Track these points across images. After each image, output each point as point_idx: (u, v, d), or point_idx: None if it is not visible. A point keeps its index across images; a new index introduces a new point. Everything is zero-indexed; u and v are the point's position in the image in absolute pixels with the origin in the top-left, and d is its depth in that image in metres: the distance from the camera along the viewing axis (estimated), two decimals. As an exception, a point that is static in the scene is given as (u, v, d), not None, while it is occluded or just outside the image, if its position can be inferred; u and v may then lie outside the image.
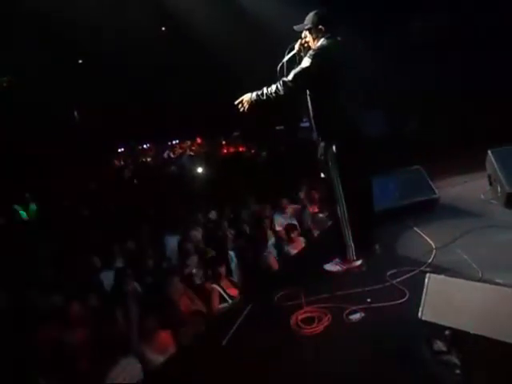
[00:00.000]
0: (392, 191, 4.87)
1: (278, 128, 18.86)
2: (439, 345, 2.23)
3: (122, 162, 20.03)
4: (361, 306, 2.99)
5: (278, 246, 6.23)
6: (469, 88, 9.94)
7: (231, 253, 6.03)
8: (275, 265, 5.50)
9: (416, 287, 2.59)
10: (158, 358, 3.72)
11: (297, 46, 3.69)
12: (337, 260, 3.74)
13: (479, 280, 2.87)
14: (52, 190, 11.53)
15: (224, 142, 21.88)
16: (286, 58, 3.66)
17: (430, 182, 5.03)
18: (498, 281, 2.73)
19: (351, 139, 3.53)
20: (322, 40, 3.56)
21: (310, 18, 3.62)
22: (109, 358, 3.62)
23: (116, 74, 13.49)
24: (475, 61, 9.98)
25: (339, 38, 3.60)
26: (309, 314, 3.04)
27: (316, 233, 6.57)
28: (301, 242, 6.19)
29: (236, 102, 3.68)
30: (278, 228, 6.95)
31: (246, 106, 3.63)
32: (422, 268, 3.38)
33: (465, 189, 5.59)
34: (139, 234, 7.99)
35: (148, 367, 3.66)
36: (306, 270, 4.05)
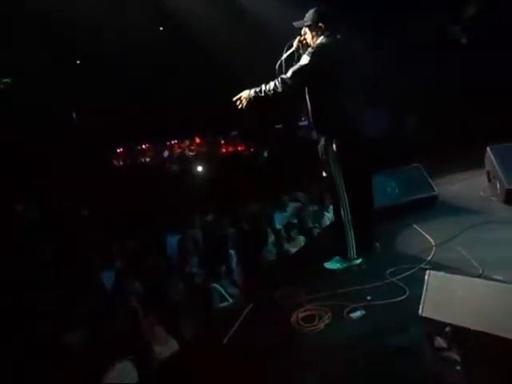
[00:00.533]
0: (392, 189, 4.88)
1: (276, 127, 18.84)
2: (440, 341, 2.23)
3: (121, 162, 20.01)
4: (361, 304, 3.00)
5: (278, 244, 6.24)
6: (468, 87, 9.95)
7: (231, 251, 6.03)
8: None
9: (416, 284, 2.59)
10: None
11: (295, 44, 3.68)
12: (337, 258, 3.74)
13: (479, 276, 2.88)
14: (51, 189, 11.52)
15: (223, 142, 21.86)
16: (285, 55, 3.66)
17: (430, 180, 5.04)
18: (497, 277, 2.73)
19: (351, 137, 3.54)
20: (321, 38, 3.55)
21: (309, 14, 3.61)
22: (109, 358, 3.63)
23: (114, 73, 13.47)
24: (474, 60, 9.99)
25: (339, 36, 3.60)
26: (309, 312, 3.05)
27: (316, 231, 6.58)
28: (301, 241, 6.20)
29: (234, 99, 3.68)
30: (277, 226, 6.96)
31: (245, 102, 3.62)
32: (421, 265, 3.38)
33: (464, 186, 5.60)
34: (139, 234, 7.99)
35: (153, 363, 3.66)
36: (306, 268, 4.06)
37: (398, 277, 3.28)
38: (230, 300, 4.90)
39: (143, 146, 21.27)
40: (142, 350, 3.74)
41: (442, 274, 2.37)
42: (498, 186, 4.60)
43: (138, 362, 3.59)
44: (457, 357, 2.14)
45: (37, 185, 11.52)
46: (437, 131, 9.75)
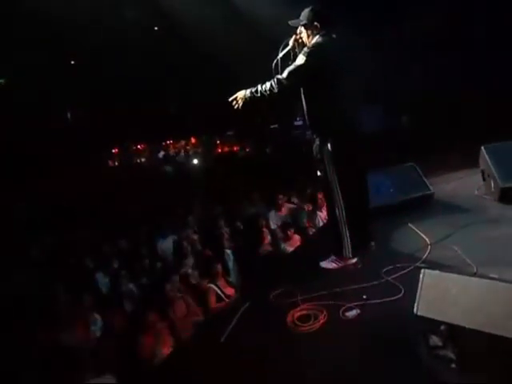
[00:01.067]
0: (387, 188, 4.89)
1: (272, 127, 18.86)
2: (435, 340, 2.23)
3: (116, 163, 19.96)
4: (357, 303, 3.00)
5: (274, 243, 6.24)
6: (463, 86, 9.99)
7: (228, 251, 6.03)
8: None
9: (411, 283, 2.59)
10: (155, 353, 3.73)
11: (291, 43, 3.67)
12: (333, 257, 3.74)
13: (474, 275, 2.88)
14: (45, 189, 11.48)
15: (218, 142, 21.85)
16: (281, 54, 3.65)
17: (425, 179, 5.06)
18: (492, 275, 2.74)
19: (346, 137, 3.54)
20: (316, 37, 3.54)
21: (305, 13, 3.60)
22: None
23: (109, 73, 13.44)
24: (471, 59, 10.03)
25: (334, 36, 3.59)
26: (305, 312, 3.05)
27: (311, 230, 6.59)
28: (297, 240, 6.20)
29: (230, 99, 3.67)
30: (272, 226, 6.96)
31: (240, 103, 3.61)
32: (417, 264, 3.39)
33: (459, 185, 5.62)
34: (135, 234, 7.98)
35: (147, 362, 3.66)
36: (302, 268, 4.06)
37: (394, 276, 3.29)
38: (227, 300, 4.90)
39: (138, 147, 21.22)
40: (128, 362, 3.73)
41: (436, 272, 2.37)
42: (493, 184, 4.62)
43: (121, 376, 3.58)
44: (452, 355, 2.14)
45: (30, 184, 11.48)
46: (431, 130, 9.79)
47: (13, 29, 10.50)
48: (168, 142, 21.61)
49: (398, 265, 3.42)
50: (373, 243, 3.83)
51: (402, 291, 3.00)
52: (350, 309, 2.97)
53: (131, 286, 5.54)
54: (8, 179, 11.14)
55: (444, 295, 2.24)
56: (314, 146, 3.67)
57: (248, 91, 3.58)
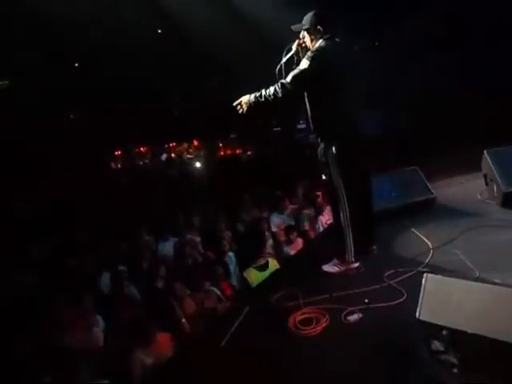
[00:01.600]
0: (389, 191, 4.88)
1: (275, 129, 18.87)
2: (437, 344, 2.23)
3: (119, 165, 19.98)
4: (359, 307, 3.00)
5: (277, 246, 6.24)
6: (465, 88, 9.98)
7: (230, 254, 6.03)
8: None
9: (413, 287, 2.59)
10: (154, 361, 3.71)
11: (294, 47, 3.67)
12: (335, 261, 3.74)
13: (476, 280, 2.88)
14: (47, 190, 11.51)
15: (221, 144, 21.86)
16: (284, 59, 3.65)
17: (427, 183, 5.05)
18: (495, 280, 2.74)
19: (350, 141, 3.54)
20: (320, 41, 3.55)
21: (308, 18, 3.60)
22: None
23: (112, 74, 13.48)
24: (473, 61, 10.02)
25: (337, 39, 3.60)
26: (307, 315, 3.05)
27: (313, 234, 6.58)
28: (299, 243, 6.20)
29: (234, 104, 3.68)
30: (273, 229, 6.94)
31: (245, 107, 3.62)
32: (419, 268, 3.39)
33: (461, 189, 5.61)
34: (136, 236, 7.97)
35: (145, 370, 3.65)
36: (304, 271, 4.05)
37: (396, 280, 3.29)
38: (228, 303, 4.89)
39: (141, 149, 21.24)
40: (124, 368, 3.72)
41: (439, 277, 2.37)
42: (495, 189, 4.61)
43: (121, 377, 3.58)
44: (454, 360, 2.14)
45: (33, 185, 11.51)
46: (434, 134, 9.78)
47: (15, 29, 10.55)
48: (170, 144, 21.62)
49: (401, 269, 3.42)
50: (375, 247, 3.83)
51: (405, 295, 3.00)
52: (352, 313, 2.97)
53: (132, 288, 5.54)
54: (11, 179, 11.19)
55: (446, 300, 2.24)
56: (319, 149, 3.67)
57: (252, 96, 3.59)
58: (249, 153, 19.44)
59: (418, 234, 4.21)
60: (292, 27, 3.67)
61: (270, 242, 6.41)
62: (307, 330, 2.90)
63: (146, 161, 20.98)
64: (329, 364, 2.57)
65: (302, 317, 3.04)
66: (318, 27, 3.56)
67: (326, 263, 3.78)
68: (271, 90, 3.49)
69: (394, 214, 4.66)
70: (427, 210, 4.83)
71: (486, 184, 4.92)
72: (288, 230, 6.39)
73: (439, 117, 10.37)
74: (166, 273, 5.73)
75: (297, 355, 2.74)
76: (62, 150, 13.52)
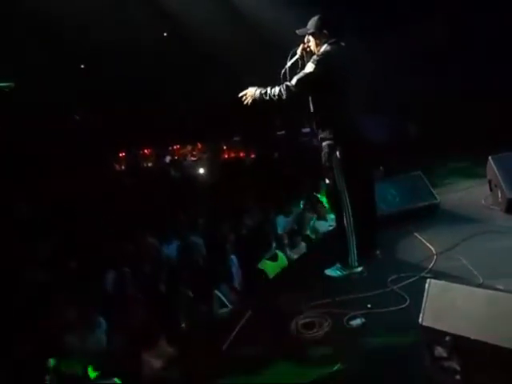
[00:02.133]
0: (393, 197, 4.87)
1: (279, 133, 18.89)
2: (440, 350, 2.22)
3: (123, 167, 20.02)
4: (361, 312, 2.99)
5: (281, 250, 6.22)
6: (470, 94, 9.97)
7: (232, 257, 6.02)
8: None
9: (416, 293, 2.58)
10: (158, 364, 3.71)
11: (299, 51, 3.68)
12: (338, 265, 3.74)
13: (480, 285, 2.87)
14: (51, 190, 11.55)
15: (225, 147, 21.89)
16: (289, 63, 3.66)
17: (431, 188, 5.04)
18: (498, 286, 2.73)
19: (355, 145, 3.55)
20: (325, 45, 3.55)
21: (313, 22, 3.61)
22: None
23: (117, 76, 13.53)
24: (476, 66, 10.01)
25: (343, 44, 3.60)
26: (309, 319, 3.04)
27: (316, 238, 6.57)
28: (302, 247, 6.18)
29: (240, 95, 3.69)
30: (280, 231, 6.94)
31: (250, 100, 3.63)
32: (422, 274, 3.38)
33: (465, 194, 5.60)
34: (140, 238, 7.98)
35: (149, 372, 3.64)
36: (306, 275, 4.05)
37: (399, 285, 3.28)
38: (230, 306, 4.88)
39: (145, 151, 21.28)
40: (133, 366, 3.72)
41: (442, 282, 2.36)
42: (500, 195, 4.60)
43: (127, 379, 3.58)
44: (457, 366, 2.13)
45: (36, 185, 11.55)
46: (439, 139, 9.76)
47: (19, 31, 10.62)
48: (174, 146, 21.65)
49: (404, 274, 3.41)
50: (378, 252, 3.83)
51: (408, 301, 2.99)
52: (355, 317, 2.96)
53: (136, 290, 5.54)
54: (14, 179, 11.23)
55: (449, 306, 2.23)
56: (323, 153, 3.67)
57: (258, 91, 3.59)
58: (252, 156, 19.44)
59: (421, 239, 4.19)
60: (297, 31, 3.68)
61: (274, 245, 6.40)
62: (309, 333, 2.89)
63: (150, 163, 21.02)
64: (330, 368, 2.56)
65: (305, 321, 3.04)
66: (324, 31, 3.57)
67: (329, 267, 3.78)
68: (276, 90, 3.49)
69: (397, 219, 4.66)
70: (431, 216, 4.82)
71: (491, 190, 4.90)
72: (292, 233, 6.38)
73: (444, 122, 10.36)
74: (170, 275, 5.74)
75: (299, 359, 2.73)
76: (67, 151, 13.57)
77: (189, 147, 21.82)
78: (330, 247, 4.32)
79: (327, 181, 3.69)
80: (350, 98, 3.53)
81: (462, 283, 2.37)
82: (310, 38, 3.64)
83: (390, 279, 3.37)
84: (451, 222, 4.55)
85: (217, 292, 5.00)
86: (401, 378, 2.35)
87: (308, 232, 6.73)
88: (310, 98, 3.65)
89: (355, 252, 3.58)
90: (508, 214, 4.43)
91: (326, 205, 6.67)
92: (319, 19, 3.60)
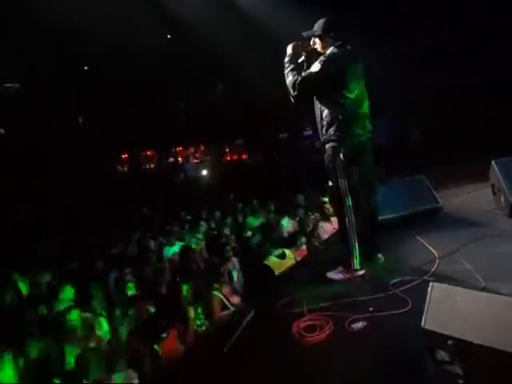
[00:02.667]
0: (395, 200, 4.86)
1: (281, 136, 18.92)
2: (442, 354, 2.21)
3: (125, 168, 20.06)
4: (363, 315, 2.98)
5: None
6: (473, 98, 9.96)
7: (234, 259, 6.02)
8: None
9: (419, 296, 2.57)
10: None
11: (305, 53, 3.70)
12: (340, 268, 3.73)
13: (482, 289, 2.86)
14: (52, 191, 11.59)
15: (227, 150, 21.93)
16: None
17: (434, 192, 5.03)
18: (501, 291, 2.72)
19: (359, 148, 3.54)
20: (331, 48, 3.56)
21: (319, 24, 3.62)
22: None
23: (120, 79, 13.58)
24: (479, 72, 10.01)
25: (349, 47, 3.61)
26: (311, 322, 3.03)
27: (317, 241, 6.56)
28: (304, 250, 6.18)
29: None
30: (285, 234, 6.94)
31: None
32: (425, 277, 3.36)
33: (468, 198, 5.58)
34: (142, 239, 8.00)
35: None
36: (308, 278, 4.04)
37: (401, 288, 3.26)
38: (232, 308, 4.88)
39: (147, 153, 21.31)
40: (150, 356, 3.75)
41: (445, 286, 2.35)
42: (503, 199, 4.58)
43: (142, 372, 3.59)
44: (459, 370, 2.12)
45: (37, 186, 11.60)
46: (442, 143, 9.76)
47: (25, 33, 10.68)
48: (177, 148, 21.69)
49: (406, 277, 3.40)
50: (380, 255, 3.82)
51: (410, 304, 2.97)
52: (356, 321, 2.94)
53: (137, 290, 5.55)
54: (14, 179, 11.28)
55: (452, 309, 2.22)
56: (326, 155, 3.66)
57: (287, 59, 3.63)
58: (255, 159, 19.47)
59: (423, 242, 4.18)
60: (303, 33, 3.68)
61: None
62: (311, 336, 2.88)
63: (152, 165, 21.05)
64: (331, 372, 2.55)
65: (306, 324, 3.02)
66: (331, 34, 3.57)
67: (331, 270, 3.77)
68: (290, 78, 3.53)
69: (400, 222, 4.65)
70: (433, 219, 4.81)
71: (494, 194, 4.89)
72: (296, 235, 6.39)
73: (447, 126, 10.36)
74: (171, 277, 5.75)
75: (300, 362, 2.72)
76: (69, 152, 13.63)
77: (191, 149, 21.85)
78: (333, 250, 4.31)
79: (330, 183, 3.68)
80: (356, 100, 3.53)
81: (465, 287, 2.36)
82: (317, 40, 3.65)
83: (392, 282, 3.35)
84: (454, 226, 4.54)
85: (218, 293, 5.00)
86: (403, 382, 2.33)
87: (310, 234, 6.72)
88: (315, 99, 3.66)
89: (357, 255, 3.56)
90: (511, 219, 4.41)
91: (330, 207, 6.67)
92: (326, 21, 3.60)
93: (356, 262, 3.59)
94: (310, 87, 3.51)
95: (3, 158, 11.39)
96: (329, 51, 3.56)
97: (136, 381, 3.53)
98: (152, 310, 4.71)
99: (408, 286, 3.28)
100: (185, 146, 21.33)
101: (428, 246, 4.07)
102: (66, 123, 14.79)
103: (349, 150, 3.52)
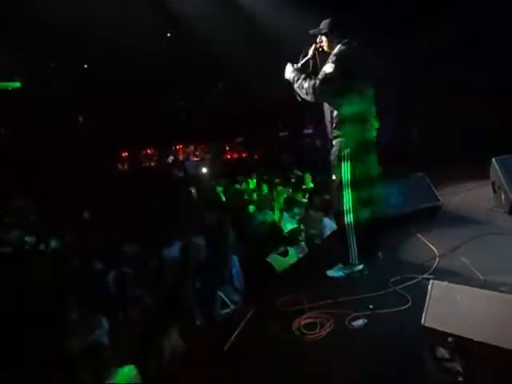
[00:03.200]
0: (395, 198, 4.86)
1: (281, 134, 18.93)
2: (442, 352, 2.21)
3: (126, 166, 20.08)
4: (363, 313, 2.98)
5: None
6: (474, 96, 9.95)
7: (234, 257, 6.01)
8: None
9: (419, 294, 2.58)
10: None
11: (311, 52, 3.70)
12: (340, 266, 3.73)
13: (483, 287, 2.86)
14: (52, 190, 11.59)
15: (227, 148, 21.94)
16: (300, 62, 3.69)
17: (434, 189, 5.03)
18: (501, 288, 2.72)
19: (365, 145, 3.55)
20: (338, 46, 3.57)
21: (326, 22, 3.63)
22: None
23: (120, 78, 13.58)
24: (481, 71, 9.99)
25: (355, 45, 3.62)
26: (311, 320, 3.03)
27: (318, 238, 6.55)
28: (304, 247, 6.17)
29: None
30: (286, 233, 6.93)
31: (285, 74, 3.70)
32: (425, 275, 3.37)
33: (468, 196, 5.59)
34: (141, 239, 7.98)
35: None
36: (308, 275, 4.04)
37: (401, 286, 3.27)
38: (232, 306, 4.88)
39: (148, 151, 21.33)
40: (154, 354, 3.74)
41: (445, 283, 2.35)
42: (503, 197, 4.58)
43: (144, 367, 3.59)
44: (459, 368, 2.12)
45: (38, 185, 11.60)
46: (442, 141, 9.75)
47: (25, 32, 10.68)
48: (177, 146, 21.69)
49: (406, 275, 3.40)
50: (380, 253, 3.82)
51: (410, 302, 2.98)
52: (357, 318, 2.95)
53: (138, 290, 5.53)
54: (14, 179, 11.29)
55: (452, 307, 2.22)
56: (333, 150, 3.67)
57: (293, 74, 3.64)
58: (255, 157, 19.47)
59: (424, 240, 4.18)
60: (310, 31, 3.69)
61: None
62: (311, 334, 2.88)
63: (153, 163, 21.07)
64: (331, 369, 2.56)
65: (306, 321, 3.03)
66: (337, 31, 3.58)
67: (331, 268, 3.77)
68: (305, 85, 3.52)
69: (400, 220, 4.65)
70: (434, 217, 4.81)
71: (494, 192, 4.89)
72: (296, 232, 6.37)
73: (447, 124, 10.35)
74: (172, 276, 5.74)
75: (300, 359, 2.73)
76: (69, 151, 13.63)
77: (191, 147, 21.86)
78: (332, 247, 4.31)
79: (334, 177, 3.68)
80: (363, 97, 3.55)
81: (465, 284, 2.36)
82: (323, 38, 3.66)
83: (392, 280, 3.36)
84: (454, 224, 4.54)
85: (219, 292, 5.00)
86: (402, 380, 2.34)
87: (312, 231, 6.72)
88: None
89: (355, 249, 3.57)
90: (511, 216, 4.41)
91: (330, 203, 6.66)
92: (332, 20, 3.62)
93: (354, 258, 3.60)
94: (329, 87, 3.49)
95: (3, 158, 11.40)
96: (336, 49, 3.57)
97: (139, 379, 3.53)
98: (153, 309, 4.70)
99: (408, 283, 3.29)
100: (185, 143, 21.35)
101: (428, 243, 4.08)
102: (66, 123, 14.78)
103: (355, 147, 3.53)
